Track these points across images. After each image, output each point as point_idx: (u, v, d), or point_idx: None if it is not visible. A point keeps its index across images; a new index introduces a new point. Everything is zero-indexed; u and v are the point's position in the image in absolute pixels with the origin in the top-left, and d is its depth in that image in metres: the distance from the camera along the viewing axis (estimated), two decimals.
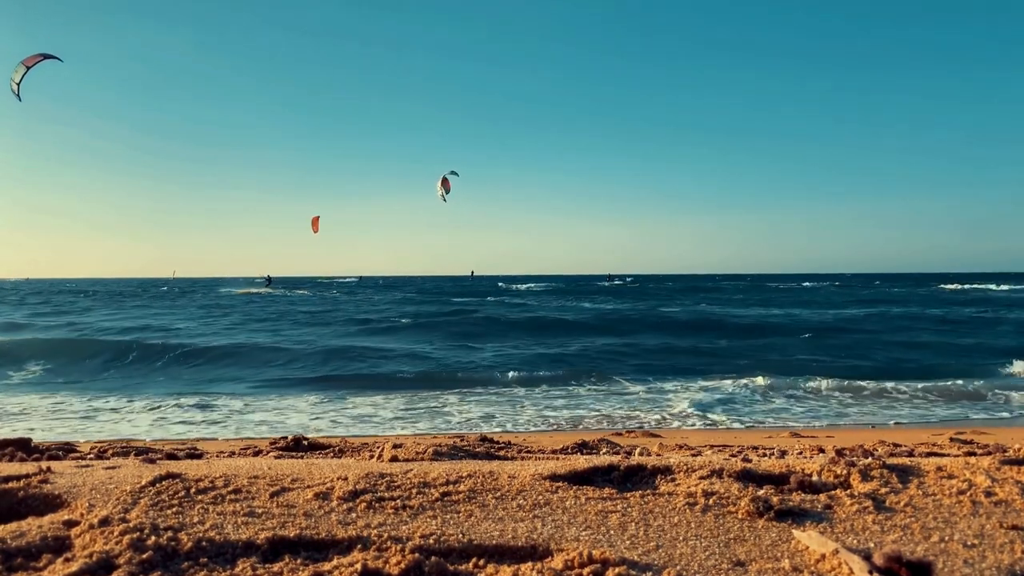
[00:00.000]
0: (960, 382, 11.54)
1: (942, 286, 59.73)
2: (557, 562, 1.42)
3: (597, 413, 9.70)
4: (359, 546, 1.52)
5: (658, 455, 3.22)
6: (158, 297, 49.72)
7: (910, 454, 3.58)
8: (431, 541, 1.54)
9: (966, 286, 57.54)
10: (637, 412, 9.75)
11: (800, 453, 3.60)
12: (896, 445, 4.51)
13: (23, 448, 3.20)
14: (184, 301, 41.87)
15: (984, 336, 19.12)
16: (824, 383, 11.47)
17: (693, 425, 8.82)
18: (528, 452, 3.49)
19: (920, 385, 11.40)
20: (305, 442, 3.89)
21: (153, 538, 1.50)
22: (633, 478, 2.05)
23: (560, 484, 1.98)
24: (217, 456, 3.36)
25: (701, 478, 2.00)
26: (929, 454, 3.49)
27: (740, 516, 1.71)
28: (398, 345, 18.58)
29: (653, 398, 10.97)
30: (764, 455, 3.42)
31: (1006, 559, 1.43)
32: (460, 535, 1.59)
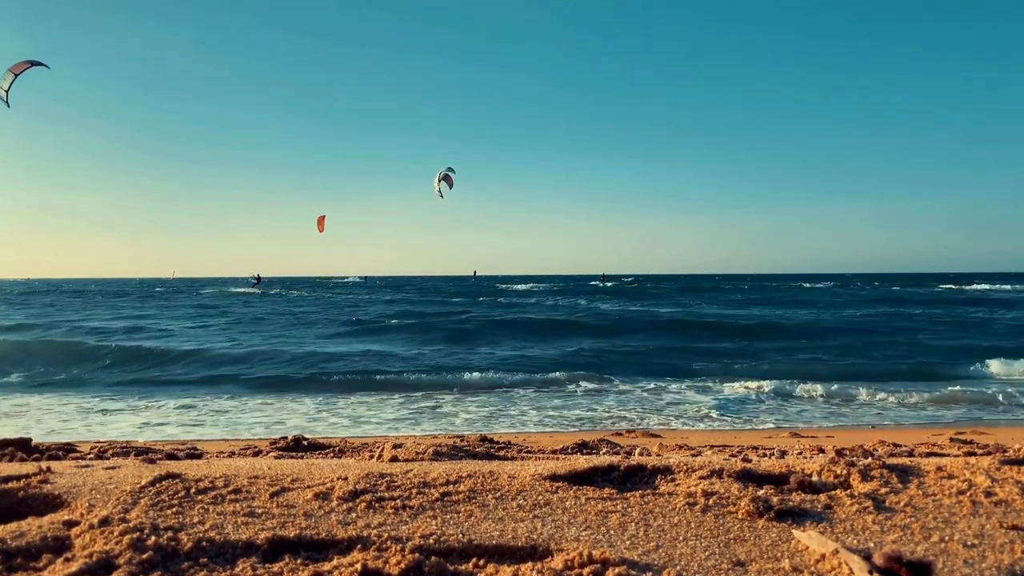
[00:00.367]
0: (958, 387, 11.55)
1: (942, 286, 59.74)
2: (557, 562, 1.42)
3: (597, 413, 9.70)
4: (359, 546, 1.52)
5: (658, 455, 3.22)
6: (147, 297, 49.67)
7: (910, 454, 3.58)
8: (431, 541, 1.54)
9: (965, 287, 57.54)
10: (636, 412, 9.75)
11: (800, 453, 3.60)
12: (896, 445, 4.51)
13: (23, 448, 3.20)
14: (163, 302, 41.82)
15: (978, 337, 19.13)
16: (823, 383, 11.46)
17: (693, 425, 8.82)
18: (528, 452, 3.49)
19: (918, 385, 11.41)
20: (305, 442, 3.89)
21: (153, 538, 1.50)
22: (633, 478, 2.05)
23: (560, 484, 1.98)
24: (217, 456, 3.36)
25: (701, 478, 2.00)
26: (929, 454, 3.49)
27: (740, 516, 1.71)
28: (387, 348, 18.57)
29: (652, 398, 10.97)
30: (764, 455, 3.42)
31: (1006, 559, 1.43)
32: (460, 535, 1.59)
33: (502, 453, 3.20)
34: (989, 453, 3.09)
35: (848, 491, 1.89)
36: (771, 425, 8.75)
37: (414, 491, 1.92)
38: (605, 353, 16.21)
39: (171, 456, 3.21)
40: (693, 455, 3.42)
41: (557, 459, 2.70)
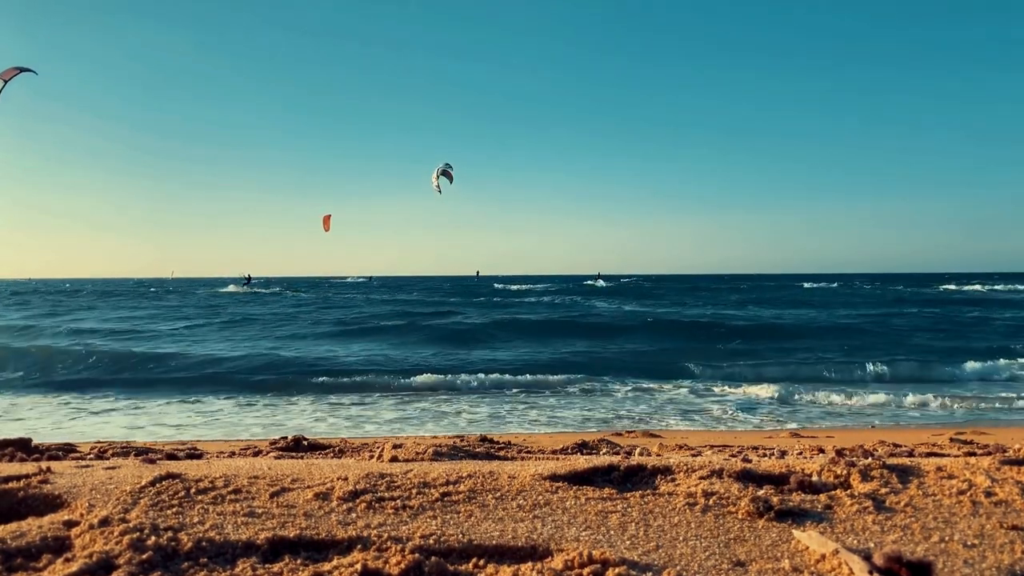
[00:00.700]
0: (957, 387, 11.54)
1: (941, 286, 59.77)
2: (557, 562, 1.42)
3: (596, 413, 9.70)
4: (359, 546, 1.52)
5: (658, 455, 3.22)
6: (139, 297, 49.64)
7: (910, 454, 3.58)
8: (431, 541, 1.54)
9: (965, 287, 57.57)
10: (636, 412, 9.76)
11: (800, 453, 3.60)
12: (896, 445, 4.51)
13: (23, 448, 3.20)
14: (156, 302, 41.82)
15: (978, 337, 19.14)
16: (823, 383, 11.47)
17: (693, 425, 8.82)
18: (528, 452, 3.49)
19: (918, 386, 11.40)
20: (305, 442, 3.89)
21: (153, 538, 1.50)
22: (633, 478, 2.04)
23: (560, 484, 1.98)
24: (217, 456, 3.35)
25: (701, 478, 2.00)
26: (929, 454, 3.49)
27: (740, 516, 1.71)
28: (386, 348, 18.57)
29: (652, 399, 10.97)
30: (764, 455, 3.42)
31: (1006, 559, 1.43)
32: (460, 535, 1.59)
33: (502, 453, 3.20)
34: (989, 453, 3.09)
35: (848, 491, 1.89)
36: (771, 425, 8.75)
37: (414, 491, 1.92)
38: (604, 353, 16.21)
39: (171, 456, 3.21)
40: (693, 455, 3.42)
41: (557, 459, 2.70)
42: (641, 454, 3.47)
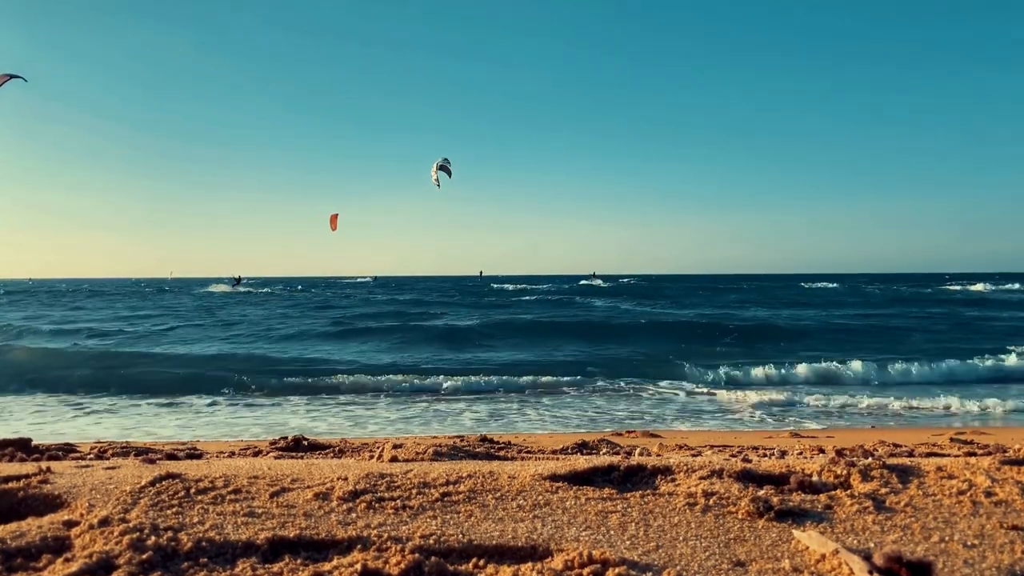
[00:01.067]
0: (958, 387, 11.53)
1: (941, 286, 59.77)
2: (557, 562, 1.42)
3: (596, 413, 9.70)
4: (359, 546, 1.52)
5: (658, 455, 3.22)
6: (124, 296, 49.58)
7: (910, 454, 3.58)
8: (431, 541, 1.54)
9: (965, 287, 57.57)
10: (636, 412, 9.75)
11: (800, 453, 3.60)
12: (896, 445, 4.51)
13: (23, 448, 3.19)
14: (150, 302, 41.82)
15: (977, 337, 19.15)
16: (824, 383, 11.46)
17: (693, 425, 8.82)
18: (528, 452, 3.49)
19: (918, 386, 11.40)
20: (305, 442, 3.88)
21: (153, 538, 1.50)
22: (633, 478, 2.04)
23: (560, 484, 1.98)
24: (217, 456, 3.35)
25: (701, 478, 2.00)
26: (929, 454, 3.49)
27: (740, 516, 1.71)
28: (385, 349, 18.56)
29: (652, 399, 10.98)
30: (764, 455, 3.41)
31: (1006, 559, 1.43)
32: (460, 535, 1.59)
33: (502, 453, 3.20)
34: (989, 453, 3.09)
35: (848, 491, 1.89)
36: (771, 425, 8.75)
37: (414, 491, 1.91)
38: (604, 353, 16.21)
39: (171, 456, 3.20)
40: (693, 455, 3.42)
41: (557, 459, 2.70)
42: (641, 454, 3.46)
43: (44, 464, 2.32)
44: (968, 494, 1.82)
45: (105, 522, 1.60)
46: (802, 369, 13.31)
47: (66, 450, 3.44)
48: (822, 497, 1.85)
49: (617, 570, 1.38)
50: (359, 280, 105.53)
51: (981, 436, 6.63)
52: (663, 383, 12.29)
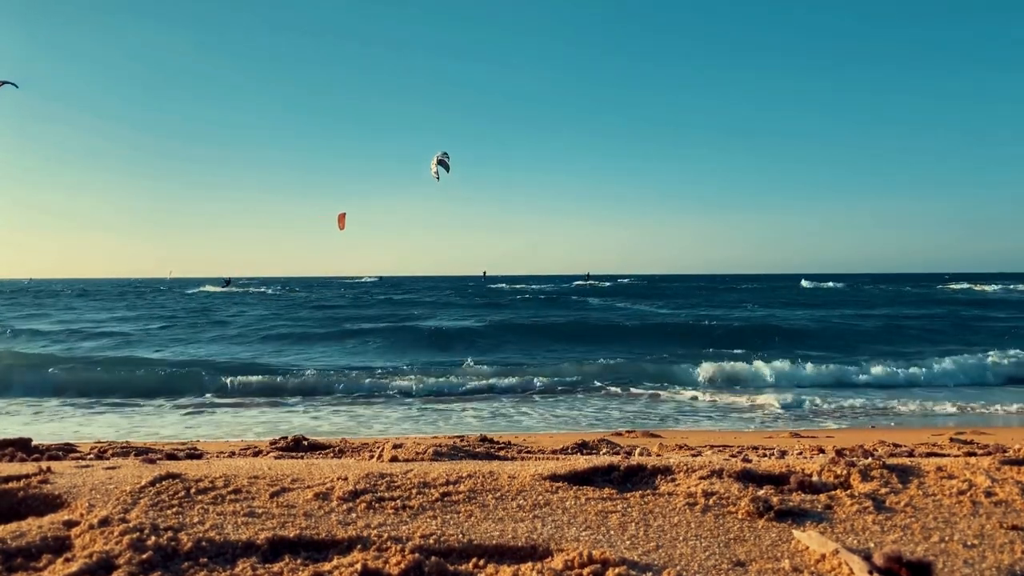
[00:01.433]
0: (958, 387, 11.52)
1: (941, 286, 59.77)
2: (557, 562, 1.42)
3: (596, 413, 9.70)
4: (359, 546, 1.52)
5: (658, 455, 3.22)
6: (119, 297, 49.53)
7: (910, 454, 3.58)
8: (431, 541, 1.54)
9: (965, 287, 57.56)
10: (636, 412, 9.75)
11: (800, 453, 3.60)
12: (896, 445, 4.51)
13: (23, 448, 3.20)
14: (145, 302, 41.84)
15: (977, 337, 19.15)
16: (823, 384, 11.46)
17: (693, 425, 8.82)
18: (528, 452, 3.49)
19: (918, 386, 11.39)
20: (305, 442, 3.88)
21: (153, 538, 1.50)
22: (633, 478, 2.04)
23: (560, 484, 1.98)
24: (217, 456, 3.35)
25: (701, 478, 2.00)
26: (929, 454, 3.49)
27: (740, 516, 1.71)
28: (383, 349, 18.56)
29: (652, 399, 10.98)
30: (764, 455, 3.42)
31: (1006, 559, 1.43)
32: (460, 535, 1.59)
33: (502, 453, 3.20)
34: (989, 453, 3.09)
35: (848, 491, 1.89)
36: (771, 425, 8.75)
37: (414, 491, 1.92)
38: (603, 353, 16.20)
39: (171, 456, 3.20)
40: (693, 455, 3.42)
41: (557, 459, 2.70)
42: (641, 454, 3.47)
43: (44, 464, 2.32)
44: (968, 494, 1.82)
45: (105, 522, 1.60)
46: (802, 369, 13.31)
47: (66, 450, 3.44)
48: (822, 497, 1.85)
49: (617, 570, 1.38)
50: (359, 280, 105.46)
51: (981, 436, 6.63)
52: (663, 383, 12.29)
